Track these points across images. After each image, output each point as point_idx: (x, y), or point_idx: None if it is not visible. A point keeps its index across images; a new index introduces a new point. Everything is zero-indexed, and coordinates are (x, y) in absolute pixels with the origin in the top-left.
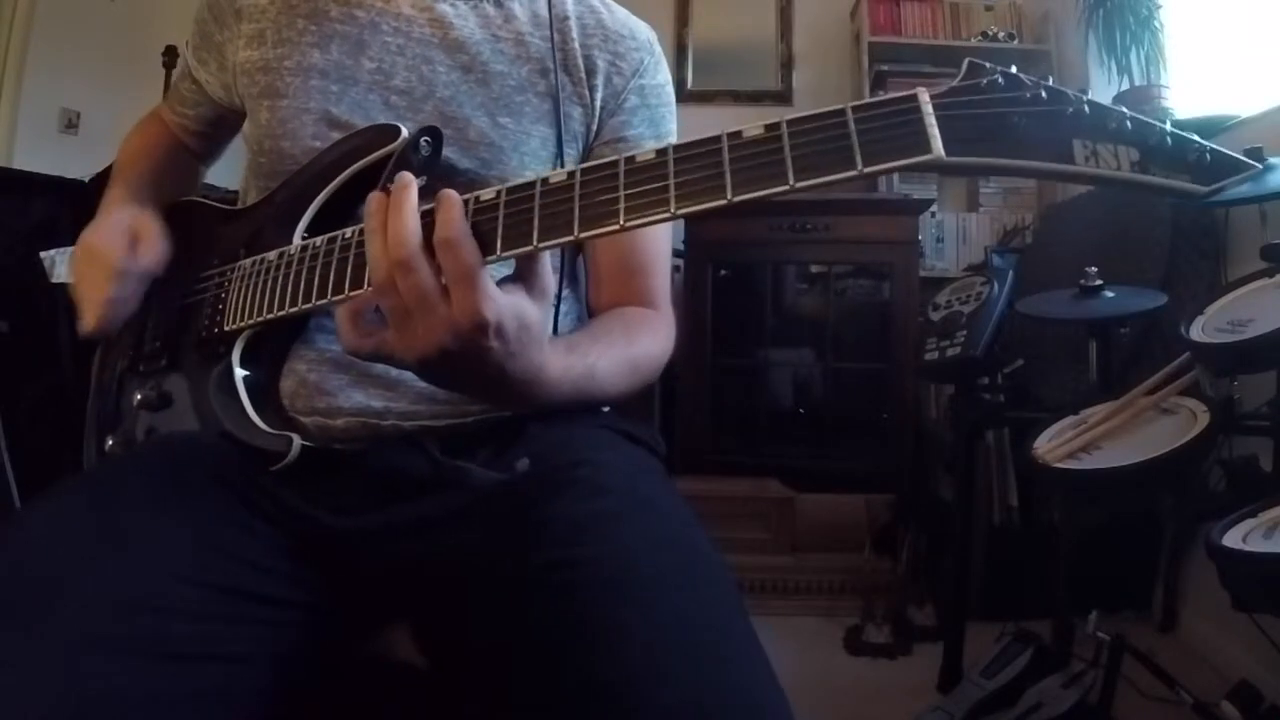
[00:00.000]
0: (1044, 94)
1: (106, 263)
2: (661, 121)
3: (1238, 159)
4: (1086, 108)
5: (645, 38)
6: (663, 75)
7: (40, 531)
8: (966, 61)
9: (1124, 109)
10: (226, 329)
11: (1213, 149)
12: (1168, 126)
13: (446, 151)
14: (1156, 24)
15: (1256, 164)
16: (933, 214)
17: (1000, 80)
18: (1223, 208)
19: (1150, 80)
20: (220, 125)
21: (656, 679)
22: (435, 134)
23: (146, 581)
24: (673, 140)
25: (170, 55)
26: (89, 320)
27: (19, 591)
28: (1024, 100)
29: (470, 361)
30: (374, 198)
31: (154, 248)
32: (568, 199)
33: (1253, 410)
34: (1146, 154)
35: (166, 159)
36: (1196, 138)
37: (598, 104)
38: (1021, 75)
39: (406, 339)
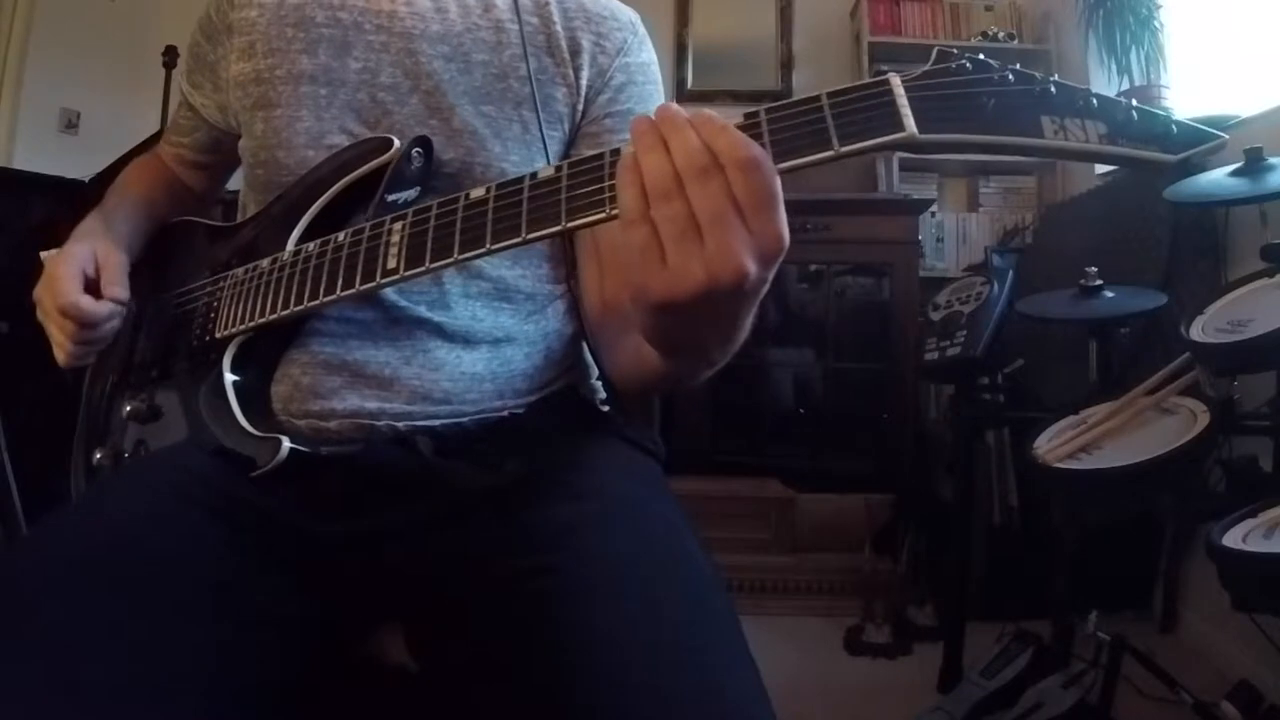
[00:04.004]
0: (1011, 76)
1: (59, 300)
2: (650, 99)
3: (1203, 130)
4: (1053, 88)
5: (627, 18)
6: (647, 54)
7: (22, 573)
8: (936, 49)
9: (1089, 88)
10: (218, 336)
11: (1179, 120)
12: (1134, 102)
13: (433, 141)
14: (1156, 24)
15: (1221, 134)
16: (933, 214)
17: (968, 65)
18: (1223, 207)
19: (1150, 80)
20: (218, 150)
21: (628, 689)
22: (426, 144)
23: (131, 616)
24: None
25: (170, 55)
26: (58, 356)
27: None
28: (992, 81)
29: (752, 292)
30: (644, 118)
31: (117, 283)
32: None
33: (1253, 410)
34: (1114, 128)
35: (157, 189)
36: (1161, 111)
37: (583, 83)
38: (989, 60)
39: (688, 255)
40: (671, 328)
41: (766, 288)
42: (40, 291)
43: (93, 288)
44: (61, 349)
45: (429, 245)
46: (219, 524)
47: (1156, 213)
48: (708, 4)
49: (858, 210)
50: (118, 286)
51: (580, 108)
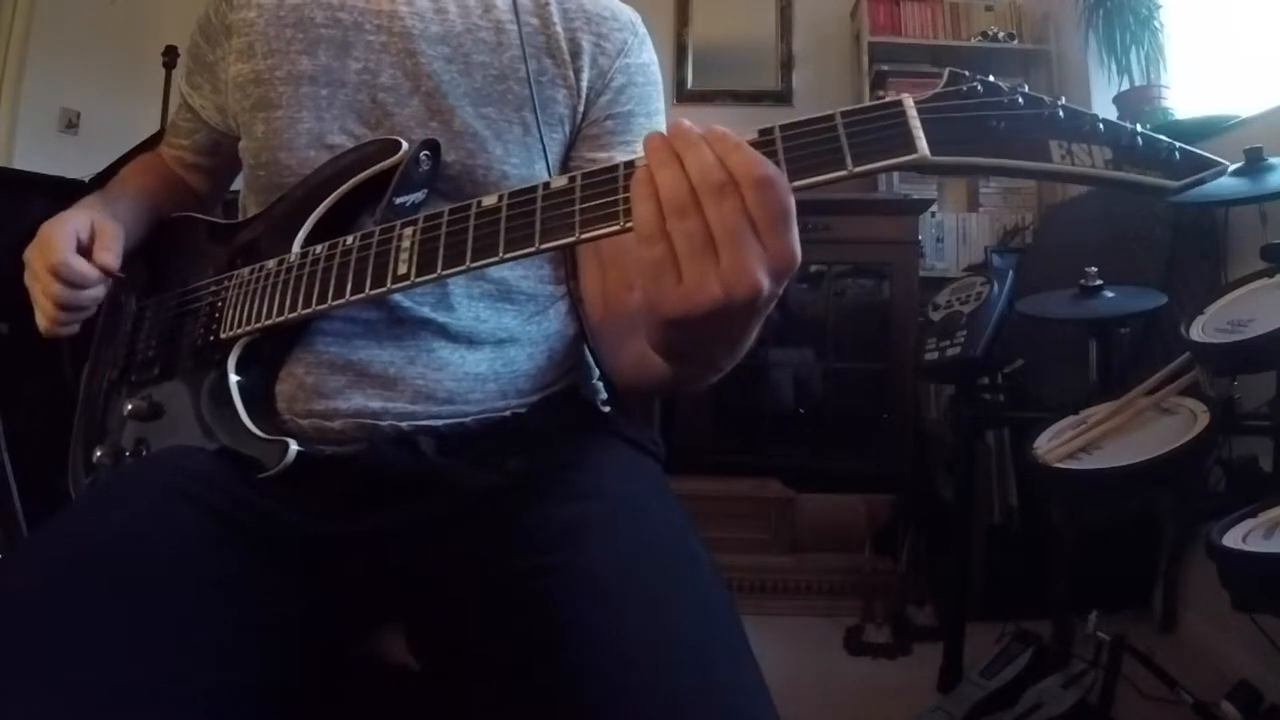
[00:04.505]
0: (1021, 99)
1: (48, 258)
2: (649, 100)
3: (1205, 156)
4: (1061, 111)
5: (628, 18)
6: (647, 55)
7: (22, 575)
8: (947, 71)
9: (1096, 113)
10: (223, 336)
11: (1181, 147)
12: (1139, 128)
13: None
14: (1156, 24)
15: (1223, 161)
16: (933, 214)
17: (979, 87)
18: (1223, 207)
19: (1150, 80)
20: (217, 152)
21: (629, 689)
22: (434, 147)
23: (132, 616)
24: (661, 118)
25: (170, 55)
26: (39, 321)
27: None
28: (1002, 105)
29: (763, 306)
30: (657, 134)
31: (110, 250)
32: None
33: (1253, 410)
34: (1119, 153)
35: (156, 181)
36: (1165, 138)
37: (584, 85)
38: (999, 82)
39: (704, 272)
40: (682, 340)
41: (776, 301)
42: (30, 252)
43: (85, 253)
44: (44, 313)
45: (441, 252)
46: (220, 524)
47: (1156, 213)
48: (708, 4)
49: (858, 210)
50: (109, 254)
51: (581, 109)
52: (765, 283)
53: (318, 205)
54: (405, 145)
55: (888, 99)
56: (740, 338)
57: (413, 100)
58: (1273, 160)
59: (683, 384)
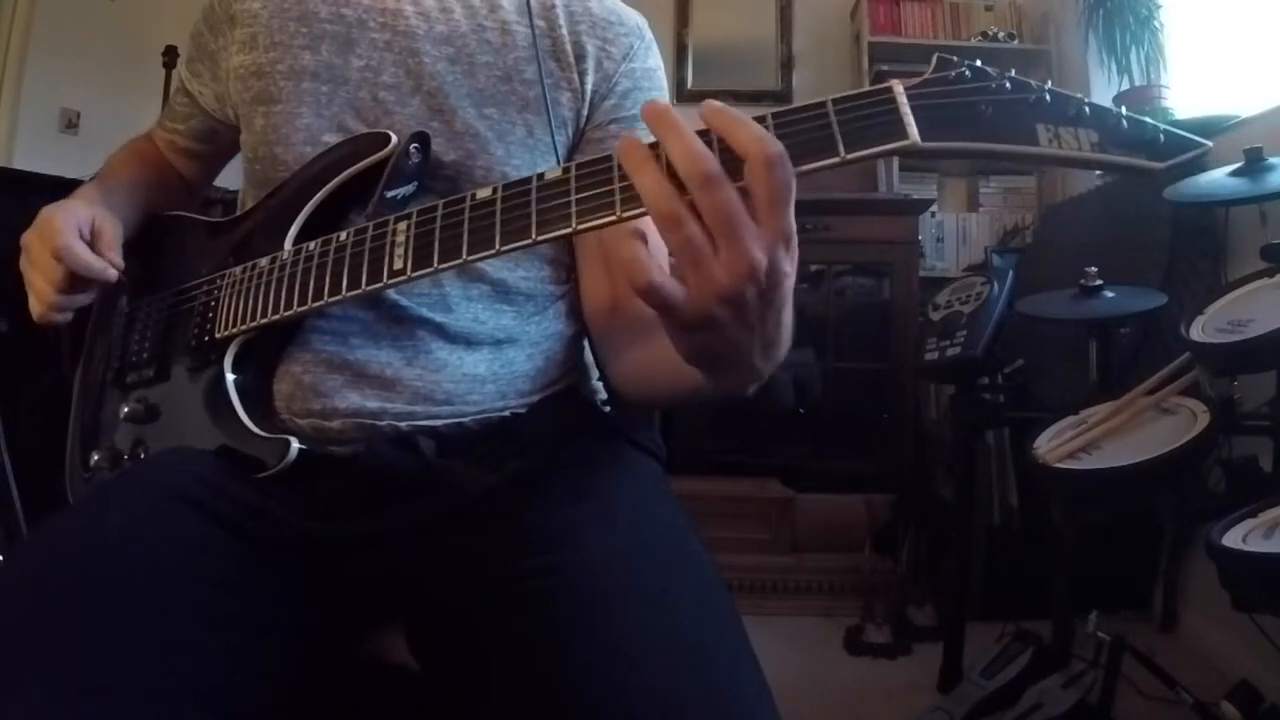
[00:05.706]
0: (1008, 84)
1: (51, 241)
2: None
3: (1189, 138)
4: (1048, 96)
5: (634, 23)
6: (653, 60)
7: (20, 578)
8: (935, 56)
9: (1081, 96)
10: (218, 336)
11: (1166, 129)
12: (1124, 110)
13: (433, 142)
14: (1156, 24)
15: (1205, 142)
16: (933, 214)
17: (967, 72)
18: (1223, 207)
19: (1150, 80)
20: (212, 140)
21: (630, 690)
22: (424, 139)
23: (132, 619)
24: None
25: (170, 55)
26: (33, 308)
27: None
28: (990, 90)
29: (774, 295)
30: (627, 138)
31: (111, 249)
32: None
33: (1253, 410)
34: (1105, 135)
35: (149, 171)
36: (1150, 120)
37: (588, 88)
38: (986, 68)
39: (706, 273)
40: (707, 342)
41: (790, 282)
42: (30, 236)
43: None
44: (41, 299)
45: (436, 246)
46: (220, 526)
47: (1156, 213)
48: (708, 4)
49: (858, 210)
50: (113, 253)
51: (584, 113)
52: (761, 258)
53: (308, 200)
54: (394, 138)
55: (878, 86)
56: (771, 332)
57: (414, 100)
58: (1273, 160)
59: (723, 394)
